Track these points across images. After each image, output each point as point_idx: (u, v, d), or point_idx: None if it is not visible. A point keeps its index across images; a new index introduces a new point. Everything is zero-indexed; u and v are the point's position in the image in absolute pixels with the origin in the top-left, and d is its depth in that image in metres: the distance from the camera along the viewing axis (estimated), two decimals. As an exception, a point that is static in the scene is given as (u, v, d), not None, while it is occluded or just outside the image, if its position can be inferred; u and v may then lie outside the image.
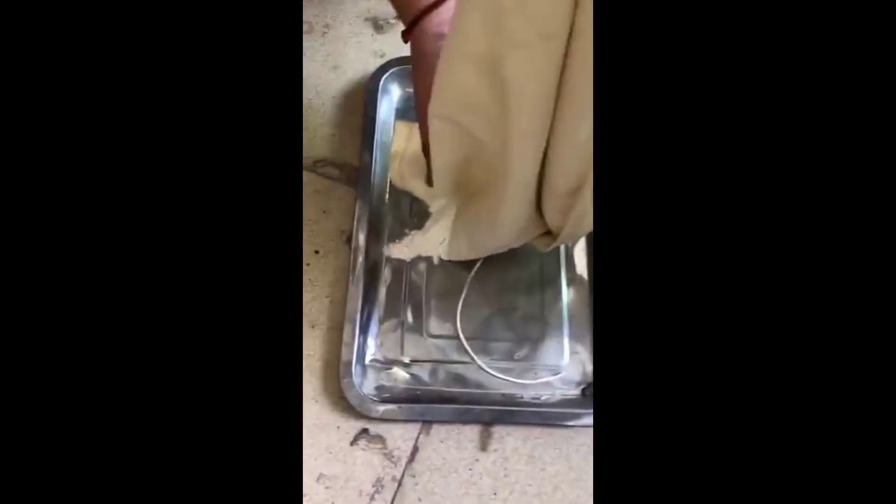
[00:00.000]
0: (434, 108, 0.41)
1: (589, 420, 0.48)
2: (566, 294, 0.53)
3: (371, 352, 0.51)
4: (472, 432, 0.49)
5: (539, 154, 0.39)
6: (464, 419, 0.49)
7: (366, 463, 0.48)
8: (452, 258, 0.53)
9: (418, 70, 0.47)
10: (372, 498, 0.47)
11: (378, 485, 0.47)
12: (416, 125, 0.52)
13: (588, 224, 0.45)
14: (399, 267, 0.54)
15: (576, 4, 0.30)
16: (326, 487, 0.47)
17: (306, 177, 0.57)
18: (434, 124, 0.42)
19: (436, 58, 0.38)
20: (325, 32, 0.63)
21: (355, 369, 0.48)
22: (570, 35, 0.31)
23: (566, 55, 0.32)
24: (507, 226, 0.46)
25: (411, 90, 0.58)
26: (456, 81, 0.38)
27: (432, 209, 0.55)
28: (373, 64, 0.60)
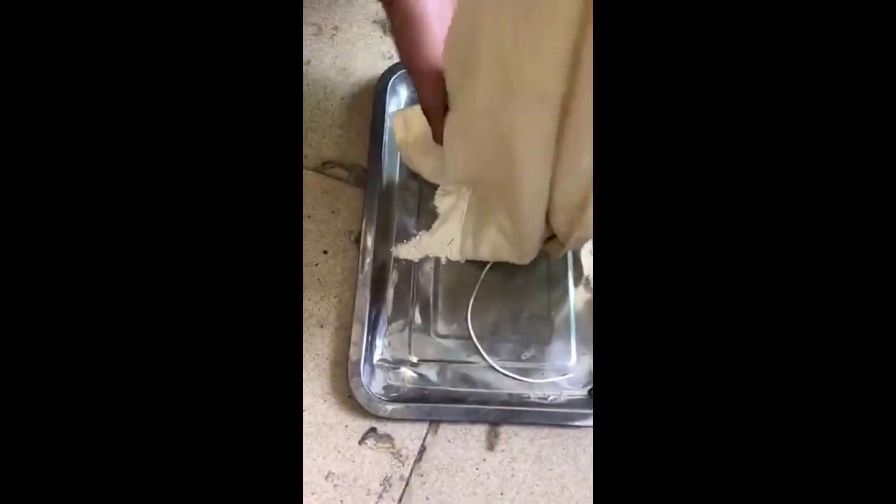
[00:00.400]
0: (448, 128, 0.43)
1: (596, 420, 0.48)
2: (573, 295, 0.54)
3: (379, 351, 0.51)
4: (479, 432, 0.49)
5: (547, 182, 0.41)
6: (471, 419, 0.49)
7: (374, 462, 0.48)
8: (467, 257, 0.53)
9: (405, 32, 0.44)
10: (380, 497, 0.47)
11: (386, 483, 0.47)
12: (410, 112, 0.51)
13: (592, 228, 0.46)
14: (407, 267, 0.54)
15: (574, 68, 0.31)
16: (335, 486, 0.47)
17: (315, 178, 0.57)
18: (448, 139, 0.44)
19: (422, 17, 0.39)
20: (333, 35, 0.63)
21: (363, 369, 0.49)
22: (569, 92, 0.33)
23: (564, 108, 0.34)
24: (525, 241, 0.48)
25: (419, 92, 0.58)
26: (465, 121, 0.41)
27: (440, 209, 0.55)
28: (381, 66, 0.61)
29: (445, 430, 0.49)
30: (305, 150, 0.58)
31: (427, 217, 0.55)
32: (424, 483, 0.47)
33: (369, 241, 0.53)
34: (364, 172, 0.57)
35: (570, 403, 0.50)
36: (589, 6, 0.28)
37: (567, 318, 0.53)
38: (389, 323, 0.52)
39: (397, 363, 0.51)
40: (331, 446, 0.48)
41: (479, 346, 0.51)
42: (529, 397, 0.50)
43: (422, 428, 0.49)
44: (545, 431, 0.49)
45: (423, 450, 0.48)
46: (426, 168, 0.54)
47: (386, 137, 0.57)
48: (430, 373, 0.51)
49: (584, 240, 0.51)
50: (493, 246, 0.52)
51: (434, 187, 0.56)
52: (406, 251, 0.54)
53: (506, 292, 0.53)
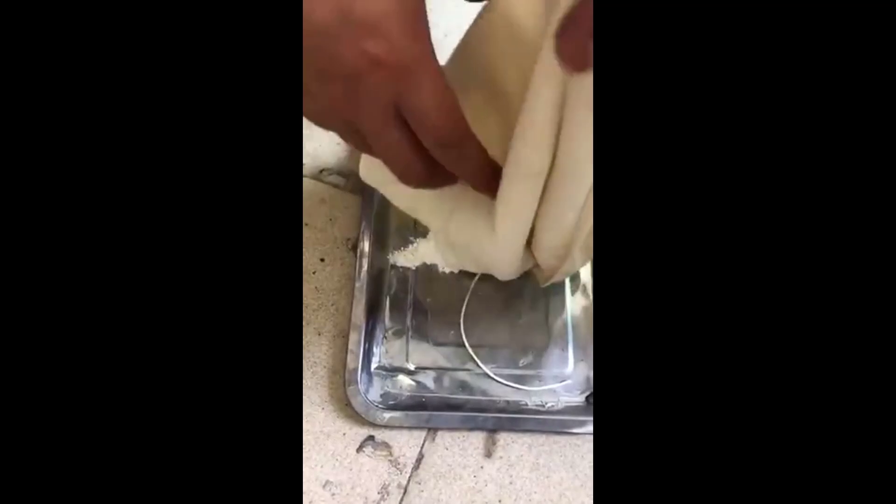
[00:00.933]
0: None
1: (593, 427, 0.48)
2: (570, 302, 0.54)
3: (376, 359, 0.51)
4: (477, 439, 0.49)
5: (524, 233, 0.40)
6: (469, 426, 0.49)
7: (371, 470, 0.48)
8: (452, 269, 0.53)
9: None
10: (378, 505, 0.47)
11: (384, 492, 0.47)
12: None
13: (581, 262, 0.45)
14: (404, 274, 0.54)
15: (555, 146, 0.31)
16: (333, 494, 0.47)
17: (312, 185, 0.57)
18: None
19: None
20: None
21: (361, 377, 0.49)
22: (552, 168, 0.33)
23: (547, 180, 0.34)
24: (497, 263, 0.47)
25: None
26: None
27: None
28: (378, 73, 0.61)
29: (443, 438, 0.49)
30: (303, 158, 0.58)
31: (424, 224, 0.55)
32: (422, 491, 0.47)
33: (366, 249, 0.53)
34: (361, 179, 0.57)
35: (568, 410, 0.50)
36: (565, 92, 0.28)
37: (564, 325, 0.53)
38: (386, 330, 0.52)
39: (395, 371, 0.51)
40: (328, 454, 0.48)
41: (472, 354, 0.51)
42: (527, 404, 0.50)
43: (420, 435, 0.49)
44: (543, 438, 0.49)
45: (420, 457, 0.48)
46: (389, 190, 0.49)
47: (383, 145, 0.57)
48: (428, 380, 0.51)
49: (571, 272, 0.50)
50: (465, 262, 0.51)
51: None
52: (403, 258, 0.54)
53: (503, 299, 0.54)
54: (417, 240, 0.55)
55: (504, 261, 0.45)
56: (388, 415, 0.48)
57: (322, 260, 0.55)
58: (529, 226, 0.39)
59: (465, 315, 0.53)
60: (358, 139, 0.30)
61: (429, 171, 0.30)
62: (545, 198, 0.36)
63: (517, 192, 0.35)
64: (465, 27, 0.38)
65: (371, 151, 0.31)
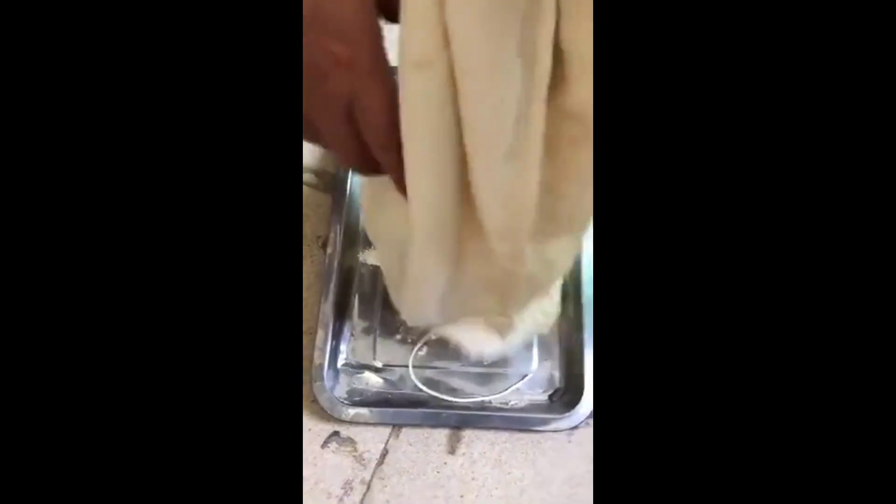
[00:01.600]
0: None
1: (555, 425, 0.49)
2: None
3: (343, 356, 0.52)
4: (440, 436, 0.50)
5: (449, 192, 0.33)
6: (433, 423, 0.50)
7: (336, 465, 0.48)
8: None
9: None
10: (340, 500, 0.47)
11: (347, 487, 0.48)
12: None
13: (537, 285, 0.39)
14: (373, 272, 0.55)
15: (445, 36, 0.27)
16: (296, 489, 0.47)
17: (284, 183, 0.58)
18: None
19: None
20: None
21: (327, 373, 0.49)
22: (451, 66, 0.28)
23: (454, 86, 0.29)
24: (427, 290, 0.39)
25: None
26: None
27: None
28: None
29: (408, 434, 0.50)
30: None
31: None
32: (385, 486, 0.48)
33: (336, 246, 0.54)
34: (333, 179, 0.57)
35: (531, 408, 0.51)
36: None
37: (529, 325, 0.54)
38: (354, 328, 0.53)
39: (361, 368, 0.52)
40: (293, 449, 0.49)
41: (414, 352, 0.52)
42: (491, 402, 0.51)
43: (384, 432, 0.50)
44: (506, 436, 0.50)
45: (385, 453, 0.49)
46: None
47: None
48: (394, 377, 0.52)
49: (542, 287, 0.42)
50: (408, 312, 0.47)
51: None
52: (373, 257, 0.55)
53: (470, 298, 0.54)
54: (387, 239, 0.55)
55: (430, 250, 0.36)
56: (353, 411, 0.49)
57: (292, 257, 0.55)
58: (450, 159, 0.32)
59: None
60: (311, 131, 0.33)
61: (370, 164, 0.33)
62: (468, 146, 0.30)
63: (413, 94, 0.29)
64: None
65: (322, 144, 0.33)
